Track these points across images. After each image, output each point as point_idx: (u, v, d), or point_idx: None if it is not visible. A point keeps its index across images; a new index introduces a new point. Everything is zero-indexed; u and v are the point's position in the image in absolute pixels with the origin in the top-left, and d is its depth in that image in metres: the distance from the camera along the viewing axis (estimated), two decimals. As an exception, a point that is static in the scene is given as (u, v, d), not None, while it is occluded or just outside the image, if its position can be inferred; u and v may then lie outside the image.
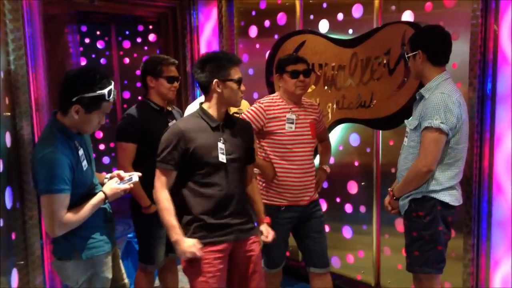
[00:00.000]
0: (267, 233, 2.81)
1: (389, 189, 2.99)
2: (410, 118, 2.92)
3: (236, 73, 2.60)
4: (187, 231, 2.59)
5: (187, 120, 2.69)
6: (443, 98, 2.70)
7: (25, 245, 2.92)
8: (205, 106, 2.66)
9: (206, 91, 2.63)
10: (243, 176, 2.75)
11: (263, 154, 3.23)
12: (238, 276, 2.74)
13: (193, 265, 2.58)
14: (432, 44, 2.84)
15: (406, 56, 2.90)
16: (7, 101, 2.80)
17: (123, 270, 2.82)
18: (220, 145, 2.59)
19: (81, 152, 2.46)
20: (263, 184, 3.24)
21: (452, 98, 2.71)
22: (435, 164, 2.74)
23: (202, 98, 2.76)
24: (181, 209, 2.62)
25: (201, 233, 2.58)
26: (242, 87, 2.64)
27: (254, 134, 2.94)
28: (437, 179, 2.79)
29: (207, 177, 2.59)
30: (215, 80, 2.56)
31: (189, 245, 2.52)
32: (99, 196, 2.50)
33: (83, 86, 2.34)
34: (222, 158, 2.58)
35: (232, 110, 3.60)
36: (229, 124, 2.69)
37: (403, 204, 2.91)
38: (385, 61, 3.53)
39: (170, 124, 3.23)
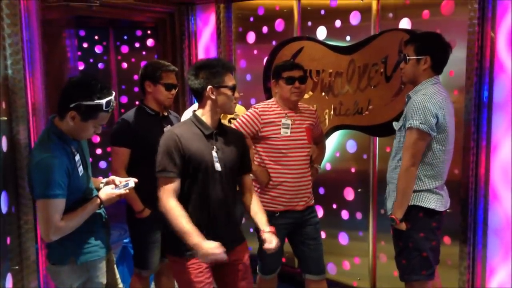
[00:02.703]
0: (271, 239, 2.60)
1: (390, 216, 2.90)
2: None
3: (230, 80, 2.57)
4: (177, 241, 2.52)
5: (181, 127, 2.65)
6: (424, 99, 2.74)
7: (20, 250, 2.91)
8: (198, 113, 2.62)
9: (200, 98, 2.60)
10: (235, 185, 2.72)
11: (259, 160, 3.24)
12: (226, 285, 2.72)
13: (186, 275, 2.55)
14: (441, 52, 2.85)
15: (408, 58, 2.88)
16: (4, 106, 2.80)
17: (118, 275, 2.81)
18: (214, 153, 2.56)
19: (77, 157, 2.46)
20: (258, 190, 3.24)
21: (433, 99, 2.74)
22: (414, 162, 2.77)
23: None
24: None
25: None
26: (236, 94, 2.61)
27: (247, 144, 2.89)
28: (418, 176, 2.82)
29: (199, 185, 2.55)
30: (209, 87, 2.53)
31: (212, 247, 2.39)
32: (94, 201, 2.49)
33: (82, 94, 2.33)
34: (217, 166, 2.55)
35: (229, 116, 3.61)
36: (222, 132, 2.65)
37: (389, 206, 2.95)
38: (382, 69, 3.54)
39: (165, 129, 3.22)
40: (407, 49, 2.90)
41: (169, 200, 2.48)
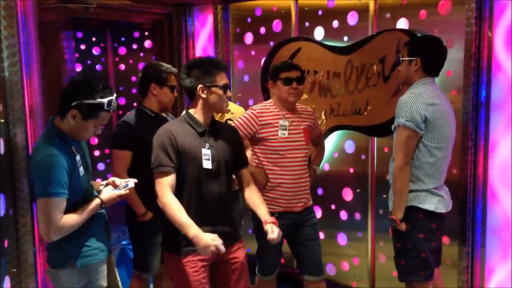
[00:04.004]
0: (272, 230, 2.60)
1: (390, 217, 2.88)
2: None
3: (221, 79, 2.59)
4: (174, 238, 2.55)
5: (174, 124, 2.67)
6: (411, 97, 2.77)
7: (17, 253, 2.90)
8: (191, 111, 2.65)
9: (192, 96, 2.63)
10: (230, 181, 2.74)
11: (257, 161, 3.23)
12: (223, 284, 2.72)
13: (181, 273, 2.56)
14: (432, 55, 2.87)
15: (401, 59, 2.91)
16: (0, 108, 2.79)
17: (118, 278, 2.80)
18: (205, 151, 2.58)
19: (78, 157, 2.46)
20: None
21: (421, 97, 2.76)
22: (406, 160, 2.78)
23: None
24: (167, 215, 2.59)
25: (187, 240, 2.51)
26: (228, 93, 2.64)
27: (241, 139, 2.92)
28: (418, 176, 2.83)
29: (193, 183, 2.57)
30: (199, 86, 2.56)
31: (212, 238, 2.41)
32: (95, 201, 2.49)
33: (84, 92, 2.35)
34: (207, 164, 2.57)
35: (226, 116, 3.60)
36: (215, 129, 2.68)
37: (391, 207, 2.94)
38: (379, 69, 3.54)
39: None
40: (403, 50, 2.94)
41: (166, 194, 2.50)
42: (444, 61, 2.90)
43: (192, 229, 2.44)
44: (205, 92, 2.57)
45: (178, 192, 2.57)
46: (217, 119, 3.39)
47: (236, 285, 2.70)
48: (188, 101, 4.88)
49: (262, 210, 2.73)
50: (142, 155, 3.10)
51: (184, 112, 2.70)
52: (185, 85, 2.62)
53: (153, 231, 3.23)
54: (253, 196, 2.78)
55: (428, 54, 2.86)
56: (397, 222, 2.83)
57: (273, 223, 2.65)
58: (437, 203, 2.84)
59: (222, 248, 2.41)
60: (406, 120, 2.74)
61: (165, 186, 2.51)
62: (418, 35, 3.22)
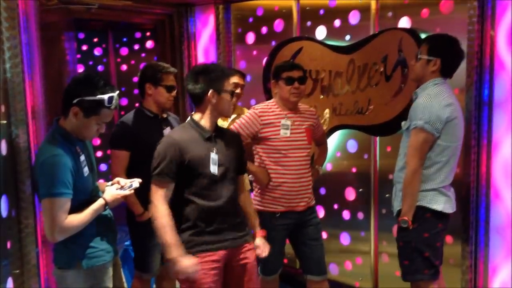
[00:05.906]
0: (263, 247, 2.80)
1: (403, 218, 2.84)
2: None
3: (229, 85, 2.64)
4: (182, 239, 2.56)
5: (180, 131, 2.69)
6: (429, 99, 2.75)
7: (20, 254, 2.90)
8: (196, 117, 2.66)
9: (200, 102, 2.62)
10: (236, 185, 2.75)
11: (259, 160, 3.23)
12: (233, 286, 2.73)
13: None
14: (453, 57, 2.85)
15: (419, 57, 2.88)
16: (3, 109, 2.79)
17: (124, 280, 2.80)
18: (213, 155, 2.59)
19: (82, 158, 2.46)
20: (259, 191, 3.24)
21: (438, 99, 2.75)
22: (421, 164, 2.77)
23: None
24: (175, 218, 2.59)
25: (196, 241, 2.56)
26: (234, 99, 2.67)
27: (243, 144, 2.93)
28: (428, 176, 2.82)
29: (202, 188, 2.58)
30: (210, 91, 2.56)
31: (189, 264, 2.46)
32: (99, 202, 2.49)
33: (84, 89, 2.36)
34: (215, 169, 2.58)
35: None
36: (220, 135, 2.69)
37: (396, 206, 2.94)
38: (382, 68, 3.54)
39: (165, 131, 3.23)
40: (422, 47, 2.90)
41: (160, 206, 2.52)
42: (460, 63, 2.88)
43: (175, 250, 2.47)
44: (215, 97, 2.58)
45: (186, 199, 2.59)
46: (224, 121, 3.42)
47: (246, 286, 2.71)
48: (191, 103, 4.92)
49: (253, 221, 2.85)
50: (140, 155, 3.10)
51: (189, 118, 2.70)
52: (194, 92, 2.60)
53: (151, 231, 3.21)
54: (246, 205, 2.85)
55: (449, 56, 2.83)
56: (409, 223, 2.82)
57: (263, 237, 2.82)
58: (444, 203, 2.83)
59: (195, 276, 2.49)
60: (425, 122, 2.72)
61: (159, 196, 2.53)
62: (437, 33, 3.16)
